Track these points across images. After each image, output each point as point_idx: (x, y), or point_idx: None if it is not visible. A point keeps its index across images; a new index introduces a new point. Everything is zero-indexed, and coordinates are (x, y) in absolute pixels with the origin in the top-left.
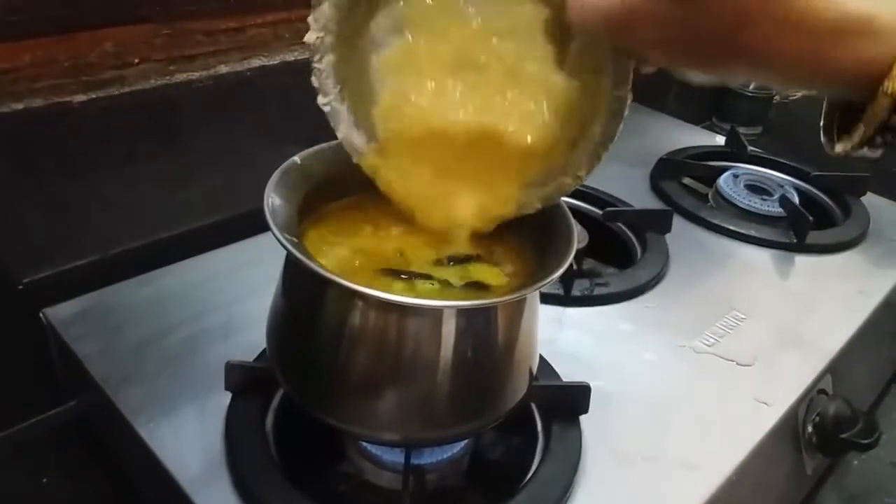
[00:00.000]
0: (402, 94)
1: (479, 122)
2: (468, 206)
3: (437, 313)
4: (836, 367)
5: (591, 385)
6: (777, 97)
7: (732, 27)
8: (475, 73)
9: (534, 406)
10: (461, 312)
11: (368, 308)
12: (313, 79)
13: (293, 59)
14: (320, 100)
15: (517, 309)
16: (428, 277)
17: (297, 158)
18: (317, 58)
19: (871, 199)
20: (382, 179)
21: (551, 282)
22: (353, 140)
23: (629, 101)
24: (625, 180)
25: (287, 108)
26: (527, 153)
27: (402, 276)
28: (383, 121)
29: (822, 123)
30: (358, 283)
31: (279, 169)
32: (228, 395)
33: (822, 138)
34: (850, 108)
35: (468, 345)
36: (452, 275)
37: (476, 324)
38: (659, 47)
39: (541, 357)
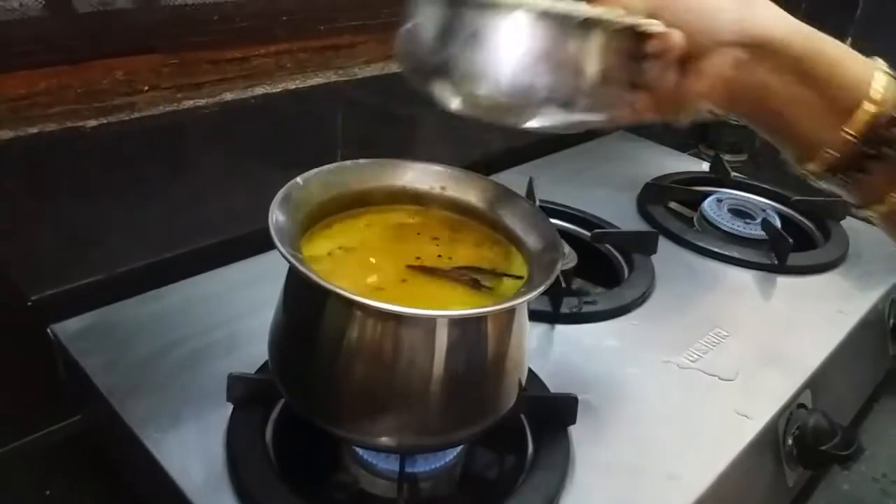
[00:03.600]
0: None
1: None
2: None
3: (430, 322)
4: (816, 383)
5: (579, 398)
6: None
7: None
8: None
9: (523, 417)
10: (454, 322)
11: (366, 317)
12: None
13: (294, 87)
14: None
15: (507, 320)
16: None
17: (299, 179)
18: None
19: (850, 223)
20: None
21: (538, 294)
22: None
23: None
24: (612, 204)
25: (289, 133)
26: None
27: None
28: None
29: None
30: (358, 293)
31: (283, 189)
32: (230, 407)
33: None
34: None
35: (460, 353)
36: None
37: (468, 333)
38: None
39: (530, 370)
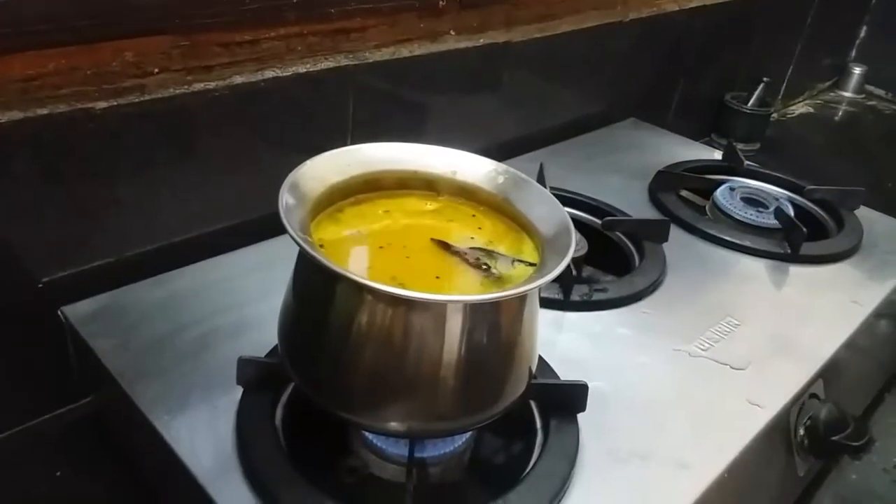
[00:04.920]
0: None
1: None
2: None
3: (442, 308)
4: (828, 373)
5: (589, 385)
6: (775, 114)
7: None
8: None
9: (533, 404)
10: (466, 307)
11: (376, 302)
12: None
13: (305, 70)
14: None
15: (518, 306)
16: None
17: (309, 163)
18: None
19: (864, 213)
20: None
21: (550, 280)
22: None
23: None
24: (624, 192)
25: (298, 117)
26: None
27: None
28: None
29: None
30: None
31: (292, 172)
32: (239, 390)
33: None
34: None
35: (471, 339)
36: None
37: (480, 319)
38: None
39: (540, 358)
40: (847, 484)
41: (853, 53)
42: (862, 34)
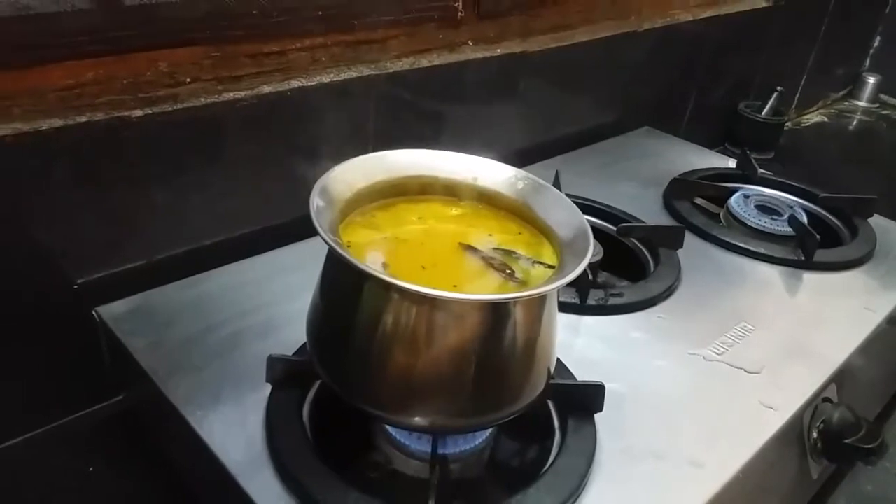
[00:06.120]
0: None
1: None
2: None
3: (465, 306)
4: (841, 378)
5: (606, 386)
6: (789, 123)
7: None
8: None
9: (551, 404)
10: (488, 307)
11: (402, 300)
12: None
13: (329, 80)
14: None
15: (538, 307)
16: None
17: (338, 167)
18: None
19: (877, 221)
20: None
21: (569, 281)
22: None
23: None
24: (638, 199)
25: (322, 125)
26: None
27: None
28: None
29: None
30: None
31: (323, 176)
32: (268, 388)
33: None
34: None
35: (493, 338)
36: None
37: (501, 318)
38: None
39: (558, 360)
40: (860, 491)
41: (867, 63)
42: (876, 44)
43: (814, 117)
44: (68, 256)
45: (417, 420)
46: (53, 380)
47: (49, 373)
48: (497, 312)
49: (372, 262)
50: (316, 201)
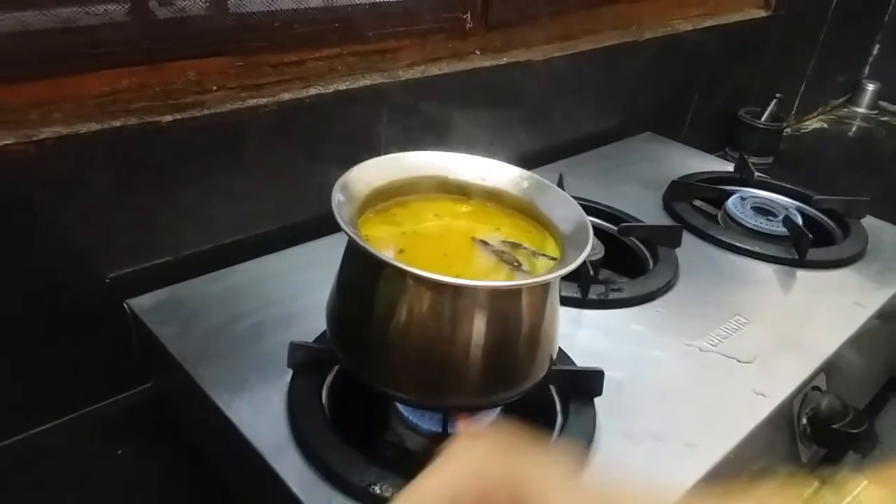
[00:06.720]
0: None
1: None
2: None
3: (475, 292)
4: (831, 368)
5: (605, 374)
6: (788, 129)
7: None
8: None
9: (553, 390)
10: (496, 293)
11: (417, 287)
12: None
13: (344, 87)
14: None
15: (542, 295)
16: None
17: (357, 167)
18: None
19: (870, 222)
20: None
21: (569, 270)
22: None
23: None
24: (639, 201)
25: (338, 130)
26: None
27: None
28: None
29: None
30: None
31: (344, 174)
32: (289, 373)
33: None
34: None
35: (500, 322)
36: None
37: (508, 305)
38: None
39: (560, 349)
40: None
41: (866, 70)
42: (875, 51)
43: (813, 123)
44: (100, 252)
45: (430, 399)
46: (84, 369)
47: (81, 362)
48: (504, 299)
49: (389, 253)
50: (337, 196)
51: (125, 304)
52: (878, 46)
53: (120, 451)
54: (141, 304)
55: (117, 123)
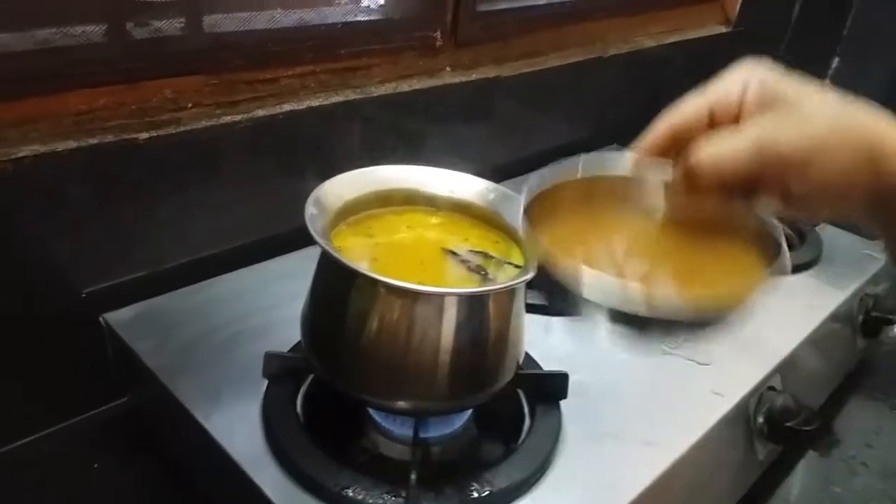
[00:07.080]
0: None
1: None
2: None
3: (441, 299)
4: (785, 369)
5: (571, 378)
6: None
7: None
8: None
9: (521, 393)
10: (462, 300)
11: (387, 295)
12: None
13: (318, 104)
14: None
15: (507, 302)
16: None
17: (329, 181)
18: None
19: (826, 229)
20: None
21: (530, 278)
22: None
23: None
24: None
25: (311, 145)
26: None
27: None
28: None
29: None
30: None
31: (317, 188)
32: (265, 383)
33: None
34: None
35: (467, 328)
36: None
37: (474, 311)
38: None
39: (527, 355)
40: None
41: (826, 83)
42: (835, 64)
43: None
44: (77, 267)
45: (401, 403)
46: (60, 384)
47: (56, 376)
48: (470, 306)
49: (363, 264)
50: (311, 209)
51: (101, 319)
52: (837, 59)
53: (97, 465)
54: (117, 318)
55: (94, 141)
